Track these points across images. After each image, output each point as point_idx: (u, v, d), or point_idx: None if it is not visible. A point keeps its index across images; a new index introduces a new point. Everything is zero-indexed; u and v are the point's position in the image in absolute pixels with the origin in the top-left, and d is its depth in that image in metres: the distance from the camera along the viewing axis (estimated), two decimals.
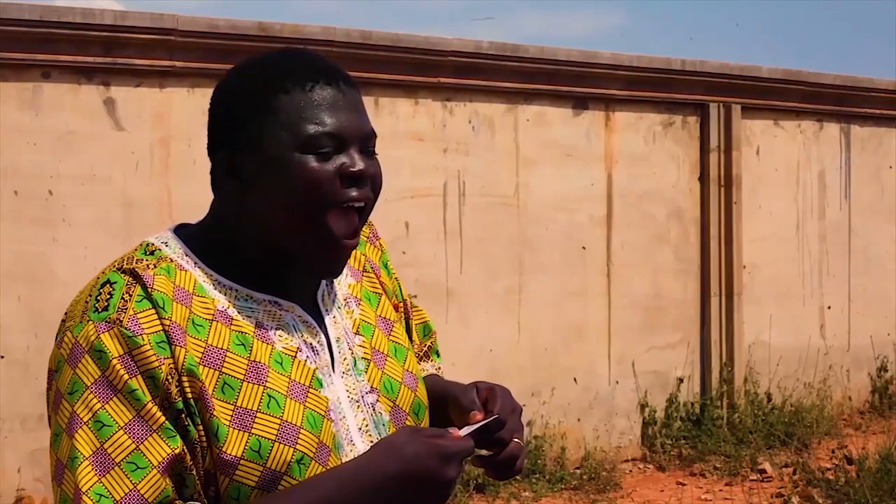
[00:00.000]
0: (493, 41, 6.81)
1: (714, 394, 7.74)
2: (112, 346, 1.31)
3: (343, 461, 1.40)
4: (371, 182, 1.45)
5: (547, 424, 6.99)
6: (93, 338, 1.32)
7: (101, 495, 1.27)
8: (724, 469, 7.08)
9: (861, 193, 8.73)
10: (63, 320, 1.39)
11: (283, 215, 1.40)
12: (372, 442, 1.43)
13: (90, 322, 1.33)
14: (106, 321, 1.32)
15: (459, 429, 1.41)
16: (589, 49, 7.33)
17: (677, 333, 7.73)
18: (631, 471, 7.22)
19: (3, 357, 5.50)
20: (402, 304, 1.67)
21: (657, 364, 7.59)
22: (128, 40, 5.73)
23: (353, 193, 1.42)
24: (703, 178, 7.88)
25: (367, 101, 6.68)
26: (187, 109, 5.84)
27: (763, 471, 6.99)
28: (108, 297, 1.35)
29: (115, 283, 1.36)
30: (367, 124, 1.46)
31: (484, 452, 1.48)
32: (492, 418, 1.47)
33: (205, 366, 1.34)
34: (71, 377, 1.31)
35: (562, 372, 7.16)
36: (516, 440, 1.51)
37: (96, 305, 1.34)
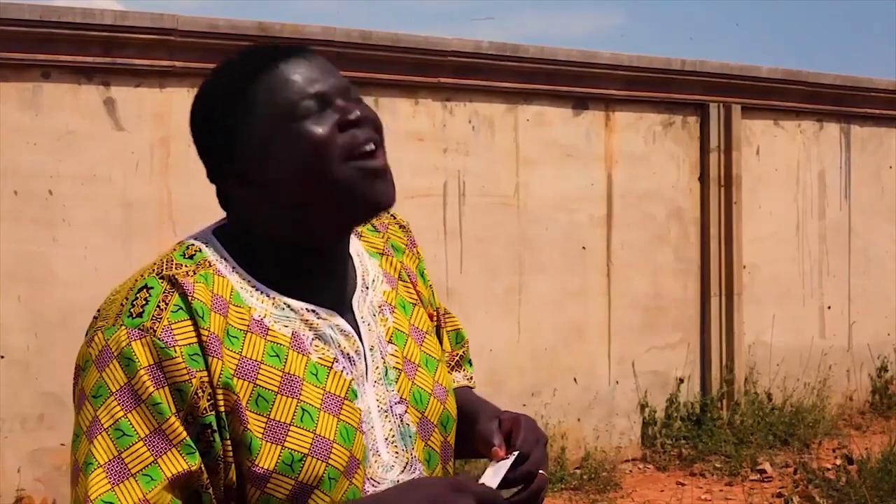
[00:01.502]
0: (493, 41, 6.81)
1: (714, 394, 7.74)
2: (142, 356, 1.29)
3: (367, 472, 1.39)
4: (372, 124, 1.43)
5: (547, 424, 6.99)
6: (123, 344, 1.29)
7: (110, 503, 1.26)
8: (725, 469, 7.08)
9: (861, 193, 8.73)
10: (95, 318, 1.36)
11: (307, 184, 1.36)
12: (397, 453, 1.42)
13: (123, 327, 1.30)
14: (139, 328, 1.30)
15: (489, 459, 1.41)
16: (589, 49, 7.33)
17: (677, 333, 7.73)
18: (631, 471, 7.22)
19: (3, 357, 5.50)
20: (436, 313, 1.65)
21: (657, 364, 7.59)
22: (128, 40, 5.73)
23: (361, 138, 1.40)
24: (703, 178, 7.88)
25: (367, 101, 6.66)
26: (187, 109, 5.78)
27: (763, 471, 6.99)
28: (144, 303, 1.32)
29: (153, 288, 1.33)
30: (342, 79, 1.44)
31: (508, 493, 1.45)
32: (513, 456, 1.45)
33: (239, 378, 1.32)
34: (97, 380, 1.30)
35: (562, 372, 7.15)
36: (542, 472, 1.48)
37: (131, 310, 1.32)
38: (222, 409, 1.31)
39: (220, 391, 1.31)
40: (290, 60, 1.41)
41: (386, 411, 1.43)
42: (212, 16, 6.00)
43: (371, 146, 1.40)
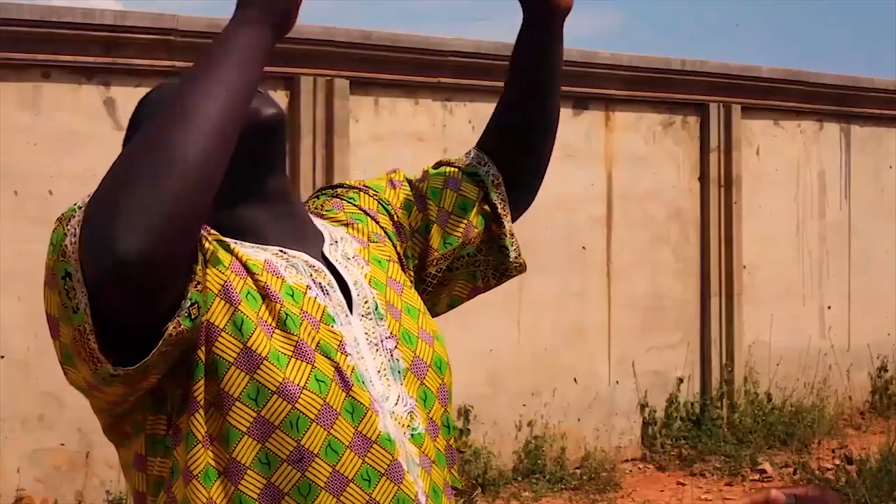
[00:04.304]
0: (493, 41, 6.81)
1: (714, 394, 7.74)
2: None
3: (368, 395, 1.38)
4: None
5: (547, 424, 6.99)
6: None
7: None
8: (724, 469, 7.08)
9: (861, 193, 8.73)
10: None
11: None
12: (390, 386, 1.41)
13: None
14: None
15: None
16: (588, 49, 7.32)
17: (677, 333, 7.72)
18: (631, 471, 7.22)
19: (3, 357, 5.50)
20: (412, 194, 1.65)
21: (657, 364, 7.59)
22: (128, 40, 5.73)
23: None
24: (703, 179, 7.88)
25: (367, 101, 6.68)
26: None
27: (763, 471, 7.00)
28: None
29: None
30: None
31: None
32: None
33: (222, 298, 1.33)
34: None
35: (562, 372, 7.15)
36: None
37: None
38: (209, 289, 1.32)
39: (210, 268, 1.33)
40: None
41: (376, 345, 1.42)
42: (212, 16, 6.00)
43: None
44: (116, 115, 5.75)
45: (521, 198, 1.74)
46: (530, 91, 1.73)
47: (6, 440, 5.50)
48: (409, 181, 1.69)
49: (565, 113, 7.25)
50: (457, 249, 1.65)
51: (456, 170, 1.71)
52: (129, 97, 5.79)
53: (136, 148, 1.24)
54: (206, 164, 1.23)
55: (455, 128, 6.79)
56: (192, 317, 1.27)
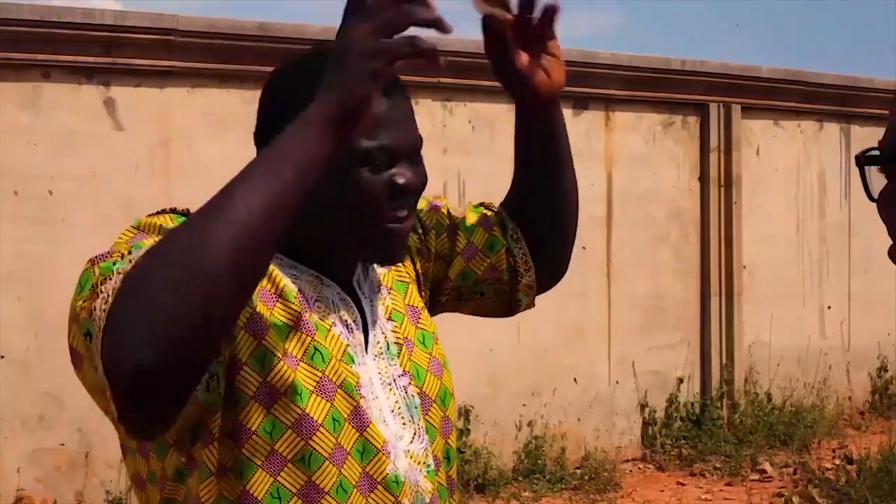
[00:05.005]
0: None
1: (714, 394, 7.74)
2: None
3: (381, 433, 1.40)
4: (417, 192, 1.48)
5: (547, 424, 6.99)
6: None
7: None
8: (725, 469, 7.08)
9: (861, 193, 8.69)
10: None
11: (331, 216, 1.40)
12: (405, 424, 1.43)
13: None
14: None
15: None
16: (588, 49, 7.32)
17: (677, 333, 7.72)
18: (631, 471, 7.22)
19: (3, 357, 5.50)
20: (447, 232, 1.66)
21: (657, 364, 7.58)
22: (128, 40, 5.73)
23: (400, 213, 1.44)
24: (703, 179, 7.87)
25: None
26: (187, 110, 5.83)
27: (763, 471, 6.99)
28: None
29: None
30: (417, 135, 1.49)
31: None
32: None
33: (247, 331, 1.34)
34: None
35: (562, 372, 7.15)
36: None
37: None
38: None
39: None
40: (385, 100, 1.41)
41: (389, 384, 1.45)
42: (212, 16, 6.00)
43: (404, 212, 1.45)
44: (116, 115, 5.75)
45: (547, 269, 1.74)
46: (540, 180, 1.74)
47: (6, 440, 5.50)
48: (449, 209, 1.71)
49: (565, 113, 7.22)
50: (471, 285, 1.68)
51: (492, 213, 1.72)
52: (129, 97, 5.79)
53: (161, 241, 1.18)
54: (207, 275, 1.12)
55: (455, 128, 6.79)
56: (210, 388, 1.27)
